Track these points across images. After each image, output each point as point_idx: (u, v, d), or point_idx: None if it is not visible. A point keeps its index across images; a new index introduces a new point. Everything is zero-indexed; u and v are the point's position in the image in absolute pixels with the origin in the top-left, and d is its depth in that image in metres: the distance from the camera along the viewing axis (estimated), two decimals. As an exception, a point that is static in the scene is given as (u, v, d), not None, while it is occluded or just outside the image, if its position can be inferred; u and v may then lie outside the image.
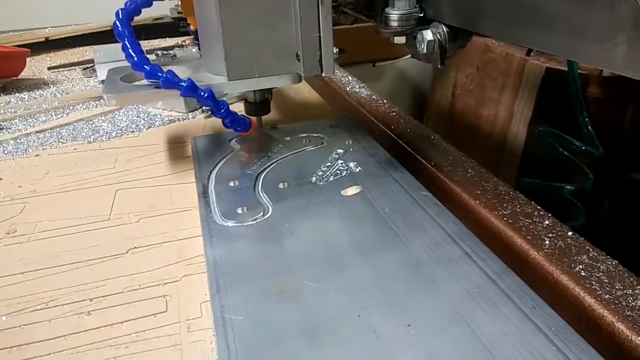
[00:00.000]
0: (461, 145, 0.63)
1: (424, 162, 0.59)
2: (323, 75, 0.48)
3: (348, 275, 0.39)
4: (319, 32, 0.46)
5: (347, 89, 0.88)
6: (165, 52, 1.12)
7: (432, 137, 0.66)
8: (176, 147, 0.66)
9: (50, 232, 0.48)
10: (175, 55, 1.08)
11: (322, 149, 0.60)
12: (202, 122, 0.75)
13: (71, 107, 0.81)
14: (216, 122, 0.73)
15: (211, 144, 0.64)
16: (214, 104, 0.51)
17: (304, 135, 0.64)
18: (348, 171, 0.54)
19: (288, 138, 0.64)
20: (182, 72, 0.53)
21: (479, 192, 0.53)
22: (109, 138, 0.70)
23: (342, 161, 0.56)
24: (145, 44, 1.01)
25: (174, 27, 1.23)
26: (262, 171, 0.55)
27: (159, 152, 0.65)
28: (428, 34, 0.43)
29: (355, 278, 0.38)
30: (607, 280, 0.40)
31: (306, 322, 0.34)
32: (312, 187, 0.51)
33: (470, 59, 1.59)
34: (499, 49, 1.49)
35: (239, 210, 0.48)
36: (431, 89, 1.85)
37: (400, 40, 0.46)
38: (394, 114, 0.77)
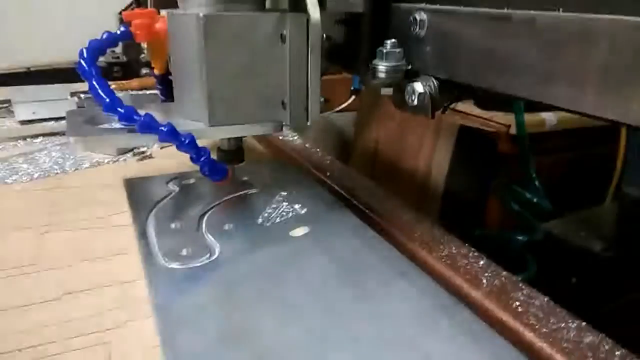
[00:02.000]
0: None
1: (361, 206, 0.60)
2: (308, 124, 0.48)
3: (304, 316, 0.38)
4: (307, 80, 0.46)
5: (280, 137, 0.89)
6: (88, 95, 1.08)
7: (368, 185, 0.68)
8: (108, 189, 0.62)
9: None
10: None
11: (264, 192, 0.60)
12: (134, 164, 0.72)
13: (-17, 148, 0.75)
14: (150, 165, 0.71)
15: (147, 186, 0.61)
16: (195, 150, 0.48)
17: (245, 178, 0.63)
18: (294, 213, 0.54)
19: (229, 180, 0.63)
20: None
21: (417, 234, 0.55)
22: (30, 179, 0.65)
23: (286, 203, 0.56)
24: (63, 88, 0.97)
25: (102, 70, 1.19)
26: (205, 213, 0.54)
27: (89, 194, 0.61)
28: (419, 87, 0.44)
29: (312, 319, 0.38)
30: (542, 315, 0.42)
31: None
32: (259, 229, 0.51)
33: (391, 114, 1.68)
34: (417, 105, 1.58)
35: (184, 252, 0.46)
36: (354, 142, 1.92)
37: (387, 91, 0.47)
38: (328, 162, 0.79)
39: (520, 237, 1.02)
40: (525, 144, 1.17)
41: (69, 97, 0.90)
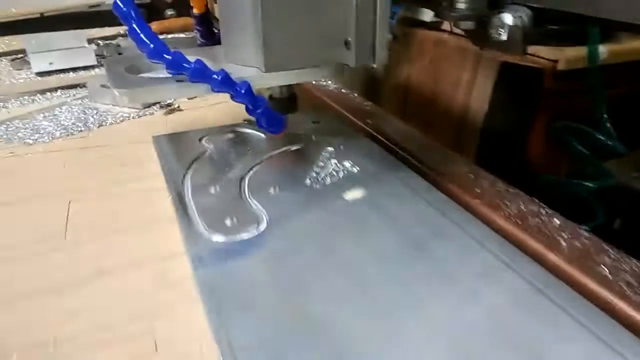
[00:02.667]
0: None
1: (414, 160, 0.53)
2: (375, 65, 0.40)
3: (372, 295, 0.33)
4: (375, 15, 0.39)
5: (314, 82, 0.82)
6: (108, 42, 1.01)
7: (413, 134, 0.61)
8: (136, 148, 0.57)
9: (-10, 257, 0.38)
10: (119, 45, 0.97)
11: (309, 148, 0.54)
12: (161, 118, 0.66)
13: (1, 104, 0.70)
14: (179, 119, 0.65)
15: (178, 143, 0.56)
16: (252, 101, 0.42)
17: (285, 132, 0.57)
18: (345, 172, 0.48)
19: (265, 135, 0.57)
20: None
21: (478, 190, 0.48)
22: (52, 139, 0.59)
23: (334, 160, 0.50)
24: (79, 34, 0.90)
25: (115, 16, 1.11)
26: (246, 174, 0.48)
27: (116, 154, 0.56)
28: (508, 18, 0.37)
29: (381, 298, 0.32)
30: (635, 282, 0.37)
31: (332, 354, 0.28)
32: (308, 192, 0.45)
33: (423, 50, 1.57)
34: (452, 41, 1.48)
35: (228, 222, 0.40)
36: (383, 80, 1.82)
37: (467, 25, 0.40)
38: (368, 108, 0.71)
39: (590, 184, 0.92)
40: (598, 78, 1.05)
41: (86, 44, 0.83)
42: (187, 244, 0.38)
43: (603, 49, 1.26)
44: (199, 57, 0.39)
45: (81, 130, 0.62)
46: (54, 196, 0.47)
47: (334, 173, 0.48)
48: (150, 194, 0.47)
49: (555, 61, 1.24)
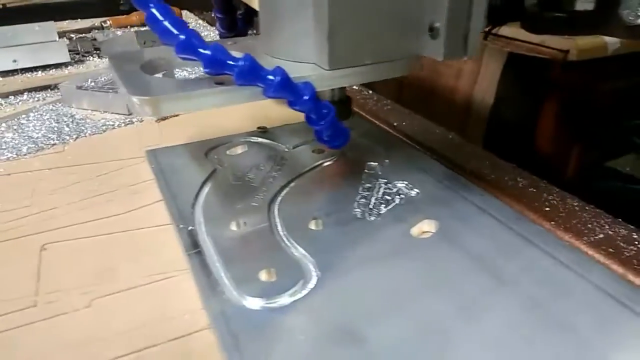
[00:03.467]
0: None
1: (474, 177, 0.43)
2: (466, 58, 0.30)
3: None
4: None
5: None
6: (82, 35, 0.89)
7: (450, 136, 0.51)
8: (125, 167, 0.45)
9: None
10: (95, 39, 0.85)
11: (345, 162, 0.43)
12: (153, 126, 0.54)
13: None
14: (176, 126, 0.53)
15: (180, 160, 0.44)
16: (317, 109, 0.32)
17: (310, 141, 0.46)
18: (402, 196, 0.37)
19: (287, 148, 0.46)
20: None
21: (547, 209, 0.39)
22: (18, 155, 0.47)
23: (384, 180, 0.39)
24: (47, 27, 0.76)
25: (89, 5, 0.98)
26: (273, 201, 0.37)
27: (99, 175, 0.44)
28: None
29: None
30: None
31: None
32: (361, 226, 0.34)
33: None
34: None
35: (262, 276, 0.30)
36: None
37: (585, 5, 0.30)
38: (389, 107, 0.61)
39: None
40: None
41: (56, 38, 0.71)
42: (211, 315, 0.27)
43: (615, 39, 1.17)
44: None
45: (54, 144, 0.49)
46: (19, 244, 0.35)
47: (388, 198, 0.37)
48: (151, 235, 0.36)
49: (567, 51, 1.16)
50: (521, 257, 0.30)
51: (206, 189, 0.39)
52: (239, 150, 0.46)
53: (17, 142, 0.49)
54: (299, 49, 0.32)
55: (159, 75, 0.36)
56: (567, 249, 0.31)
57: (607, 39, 1.18)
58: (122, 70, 0.32)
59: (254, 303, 0.28)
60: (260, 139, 0.48)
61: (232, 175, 0.41)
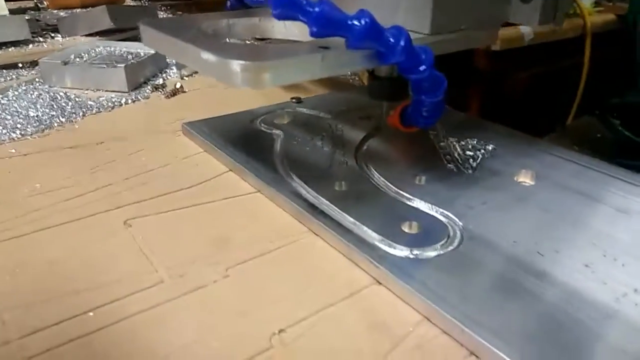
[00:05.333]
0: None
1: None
2: (554, 25, 0.30)
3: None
4: None
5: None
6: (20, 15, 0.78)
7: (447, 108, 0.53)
8: (161, 141, 0.41)
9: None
10: (39, 20, 0.75)
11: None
12: (164, 103, 0.49)
13: None
14: (190, 102, 0.49)
15: (227, 130, 0.41)
16: (431, 77, 0.28)
17: (351, 108, 0.45)
18: (482, 150, 0.38)
19: (329, 115, 0.44)
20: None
21: None
22: (23, 136, 0.41)
23: (454, 139, 0.40)
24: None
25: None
26: (359, 162, 0.36)
27: (138, 151, 0.39)
28: None
29: None
30: None
31: None
32: (464, 179, 0.34)
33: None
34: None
35: (406, 229, 0.28)
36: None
37: None
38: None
39: None
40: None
41: (6, 12, 0.61)
42: (385, 267, 0.25)
43: (529, 30, 1.29)
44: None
45: (61, 123, 0.43)
46: (97, 222, 0.30)
47: (470, 153, 0.37)
48: (243, 203, 0.33)
49: (490, 42, 1.25)
50: (631, 194, 0.32)
51: (279, 155, 0.37)
52: (286, 119, 0.43)
53: (13, 121, 0.42)
54: (387, 11, 0.31)
55: (232, 40, 0.33)
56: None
57: (523, 30, 1.29)
58: (183, 36, 0.28)
59: (411, 253, 0.26)
60: (299, 109, 0.46)
61: (298, 141, 0.39)
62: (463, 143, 0.39)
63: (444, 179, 0.34)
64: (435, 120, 0.33)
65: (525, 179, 0.34)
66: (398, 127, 0.35)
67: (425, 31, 0.28)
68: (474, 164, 0.36)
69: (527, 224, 0.29)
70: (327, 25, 0.23)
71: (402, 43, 0.24)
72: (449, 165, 0.36)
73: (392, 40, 0.24)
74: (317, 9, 0.22)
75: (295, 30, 0.33)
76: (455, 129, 0.41)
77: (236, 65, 0.23)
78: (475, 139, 0.39)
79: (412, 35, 0.29)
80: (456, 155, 0.37)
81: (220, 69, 0.23)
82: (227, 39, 0.35)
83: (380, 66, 0.28)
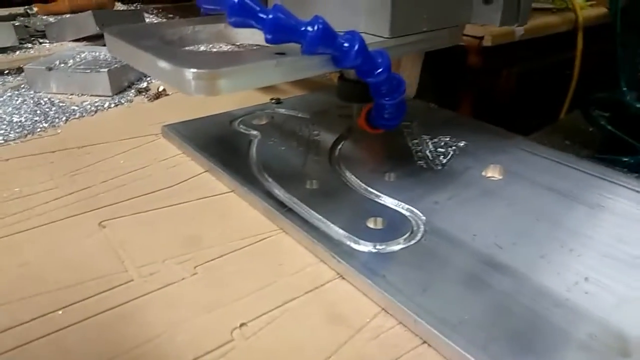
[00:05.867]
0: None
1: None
2: (516, 26, 0.31)
3: None
4: None
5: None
6: (8, 22, 0.79)
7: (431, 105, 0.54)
8: (142, 143, 0.42)
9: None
10: (28, 26, 0.76)
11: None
12: (147, 106, 0.50)
13: None
14: (173, 105, 0.50)
15: (206, 132, 0.42)
16: (390, 80, 0.28)
17: (328, 108, 0.46)
18: (453, 147, 0.39)
19: (309, 115, 0.45)
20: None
21: None
22: (6, 141, 0.41)
23: (427, 136, 0.41)
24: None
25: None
26: (331, 161, 0.37)
27: (117, 154, 0.40)
28: None
29: None
30: None
31: None
32: (433, 175, 0.35)
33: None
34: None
35: (371, 224, 0.29)
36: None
37: None
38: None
39: (626, 159, 0.76)
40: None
41: (-5, 21, 0.62)
42: (347, 262, 0.26)
43: (520, 27, 1.30)
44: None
45: (44, 128, 0.44)
46: (73, 224, 0.31)
47: (442, 150, 0.38)
48: (215, 203, 0.34)
49: (481, 38, 1.26)
50: (597, 188, 0.33)
51: (254, 155, 0.37)
52: (264, 120, 0.44)
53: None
54: (348, 16, 0.31)
55: (190, 48, 0.34)
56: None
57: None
58: (142, 45, 0.28)
59: (374, 248, 0.27)
60: (278, 110, 0.47)
61: (274, 141, 0.40)
62: (436, 140, 0.40)
63: (413, 176, 0.35)
64: (397, 122, 0.33)
65: (493, 173, 0.35)
66: (366, 129, 0.36)
67: (385, 34, 0.29)
68: (444, 161, 0.37)
69: (490, 218, 0.30)
70: (281, 31, 0.24)
71: (355, 48, 0.25)
72: (419, 162, 0.37)
73: (346, 45, 0.25)
74: (270, 16, 0.23)
75: (261, 36, 0.34)
76: (432, 127, 0.42)
77: (189, 73, 0.23)
78: (449, 136, 0.40)
79: (373, 39, 0.29)
80: (427, 152, 0.38)
81: (175, 77, 0.24)
82: (194, 46, 0.35)
83: (336, 70, 0.28)
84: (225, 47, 0.56)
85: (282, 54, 0.25)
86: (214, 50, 0.47)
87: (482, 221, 0.29)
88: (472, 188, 0.33)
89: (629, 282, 0.25)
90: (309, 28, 0.24)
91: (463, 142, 0.39)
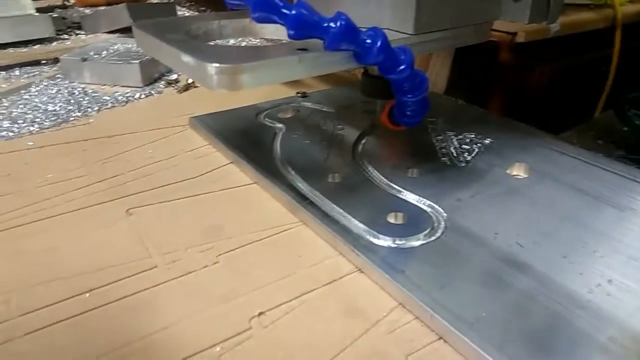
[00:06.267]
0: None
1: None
2: (546, 24, 0.30)
3: None
4: None
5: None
6: (48, 14, 0.81)
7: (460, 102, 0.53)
8: (170, 134, 0.43)
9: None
10: (65, 18, 0.78)
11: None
12: (176, 98, 0.51)
13: None
14: (202, 97, 0.51)
15: (233, 124, 0.42)
16: (412, 77, 0.28)
17: (354, 103, 0.46)
18: (479, 144, 0.38)
19: (334, 109, 0.45)
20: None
21: None
22: (41, 129, 0.43)
23: (452, 132, 0.40)
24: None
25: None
26: (355, 155, 0.37)
27: (145, 144, 0.41)
28: None
29: None
30: None
31: None
32: (456, 172, 0.35)
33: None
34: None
35: (391, 219, 0.29)
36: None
37: None
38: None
39: None
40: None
41: (34, 11, 0.64)
42: (362, 256, 0.26)
43: (555, 23, 1.26)
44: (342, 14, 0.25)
45: (77, 117, 0.45)
46: (102, 211, 0.32)
47: (466, 147, 0.38)
48: (239, 194, 0.34)
49: (514, 34, 1.23)
50: (626, 189, 0.32)
51: (278, 148, 0.38)
52: (290, 114, 0.44)
53: (33, 116, 0.45)
54: (370, 12, 0.31)
55: (216, 42, 0.34)
56: None
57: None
58: (167, 38, 0.28)
59: (394, 243, 0.27)
60: (304, 103, 0.47)
61: (299, 134, 0.40)
62: (461, 137, 0.40)
63: (436, 172, 0.34)
64: (420, 119, 0.33)
65: (519, 172, 0.35)
66: (388, 126, 0.36)
67: (409, 31, 0.29)
68: (469, 158, 0.36)
69: (513, 216, 0.29)
70: (303, 27, 0.24)
71: (378, 44, 0.25)
72: (442, 158, 0.36)
73: (368, 41, 0.25)
74: (293, 12, 0.23)
75: (285, 31, 0.34)
76: (458, 123, 0.42)
77: (211, 67, 0.23)
78: (474, 133, 0.40)
79: (397, 35, 0.29)
80: (452, 149, 0.38)
81: (198, 71, 0.24)
82: (221, 40, 0.36)
83: (359, 67, 0.28)
84: (252, 42, 0.57)
85: (305, 49, 0.26)
86: (240, 45, 0.47)
87: (505, 219, 0.29)
88: (496, 186, 0.33)
89: (656, 286, 0.24)
90: (332, 24, 0.24)
91: (489, 139, 0.39)
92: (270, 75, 0.25)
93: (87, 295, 0.25)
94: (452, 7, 0.30)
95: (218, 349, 0.22)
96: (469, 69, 1.40)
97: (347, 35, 0.24)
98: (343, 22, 0.24)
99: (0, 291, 0.25)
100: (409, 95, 0.30)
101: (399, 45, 0.27)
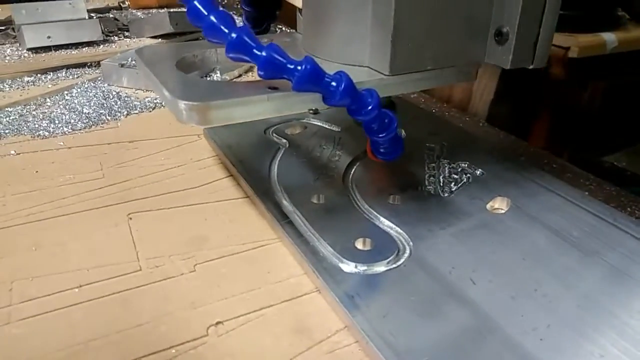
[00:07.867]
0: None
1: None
2: (532, 67, 0.31)
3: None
4: (545, 2, 0.29)
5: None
6: (102, 15, 0.88)
7: (481, 123, 0.54)
8: (183, 142, 0.46)
9: (38, 303, 0.28)
10: (117, 19, 0.84)
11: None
12: (200, 106, 0.55)
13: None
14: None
15: (241, 137, 0.45)
16: (380, 118, 0.30)
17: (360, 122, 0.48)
18: (468, 175, 0.39)
19: (339, 128, 0.47)
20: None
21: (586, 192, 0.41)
22: (73, 130, 0.48)
23: (446, 160, 0.41)
24: (75, 4, 0.75)
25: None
26: (345, 177, 0.39)
27: (160, 151, 0.45)
28: None
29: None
30: None
31: None
32: (437, 202, 0.36)
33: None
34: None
35: (359, 245, 0.31)
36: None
37: None
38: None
39: None
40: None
41: (86, 16, 0.70)
42: (323, 278, 0.28)
43: (613, 37, 1.21)
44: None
45: (107, 120, 0.50)
46: (106, 213, 0.36)
47: (455, 177, 0.39)
48: (231, 207, 0.37)
49: (567, 48, 1.19)
50: (601, 234, 0.33)
51: (275, 165, 0.40)
52: (298, 130, 0.47)
53: (68, 117, 0.50)
54: (352, 50, 0.31)
55: (196, 75, 0.36)
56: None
57: (606, 36, 1.22)
58: (156, 68, 0.31)
59: (356, 268, 0.29)
60: (313, 120, 0.49)
61: (298, 152, 0.43)
62: (453, 165, 0.41)
63: (417, 201, 0.36)
64: (395, 156, 0.34)
65: (501, 205, 0.36)
66: (372, 158, 0.37)
67: (386, 72, 0.30)
68: (454, 188, 0.38)
69: (475, 252, 0.31)
70: (273, 69, 0.26)
71: (341, 87, 0.27)
72: (428, 187, 0.38)
73: (333, 84, 0.27)
74: (264, 54, 0.26)
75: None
76: (457, 150, 0.42)
77: (182, 104, 0.26)
78: (467, 162, 0.41)
79: (375, 76, 0.31)
80: (440, 177, 0.39)
81: (172, 105, 0.27)
82: (215, 67, 0.38)
83: (327, 108, 0.30)
84: (237, 73, 0.59)
85: (276, 88, 0.28)
86: (221, 77, 0.50)
87: (467, 254, 0.30)
88: (470, 219, 0.34)
89: (594, 337, 0.25)
90: (298, 67, 0.26)
91: (480, 170, 0.40)
92: (239, 112, 0.27)
93: (77, 290, 0.29)
94: (432, 49, 0.30)
95: (174, 351, 0.25)
96: (516, 81, 1.38)
97: (311, 79, 0.26)
98: (308, 67, 0.26)
99: (6, 279, 0.29)
100: (380, 135, 0.31)
101: (365, 88, 0.29)
